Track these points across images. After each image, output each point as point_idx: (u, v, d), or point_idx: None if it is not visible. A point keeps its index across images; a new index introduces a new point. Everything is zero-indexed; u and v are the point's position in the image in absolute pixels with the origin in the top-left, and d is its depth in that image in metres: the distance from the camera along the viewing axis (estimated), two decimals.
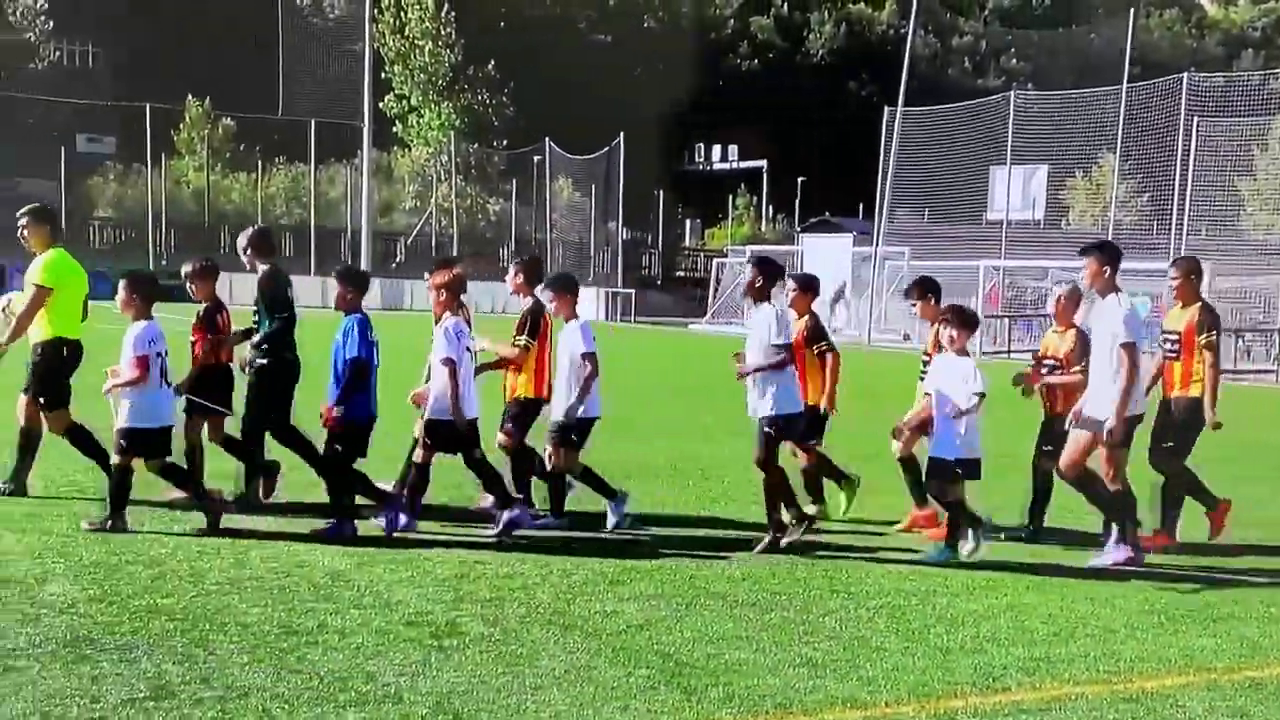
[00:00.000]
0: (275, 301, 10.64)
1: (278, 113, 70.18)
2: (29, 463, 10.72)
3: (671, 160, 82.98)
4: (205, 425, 10.79)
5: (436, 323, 10.09)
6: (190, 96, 70.59)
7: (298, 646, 6.90)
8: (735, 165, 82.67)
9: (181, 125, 70.51)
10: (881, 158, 46.22)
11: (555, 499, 10.51)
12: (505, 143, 72.34)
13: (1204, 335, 10.44)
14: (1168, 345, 10.77)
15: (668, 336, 46.10)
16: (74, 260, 10.96)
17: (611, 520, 10.40)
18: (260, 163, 68.88)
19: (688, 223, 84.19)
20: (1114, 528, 9.86)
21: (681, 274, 74.31)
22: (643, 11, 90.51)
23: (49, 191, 62.82)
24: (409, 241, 68.37)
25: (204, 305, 10.88)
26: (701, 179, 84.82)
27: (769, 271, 9.87)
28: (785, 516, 9.87)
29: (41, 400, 10.53)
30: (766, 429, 9.62)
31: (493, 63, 70.65)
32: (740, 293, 10.65)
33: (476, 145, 71.36)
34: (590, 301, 56.31)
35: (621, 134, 63.35)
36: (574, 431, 10.21)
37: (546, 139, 66.89)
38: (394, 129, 71.19)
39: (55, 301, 10.54)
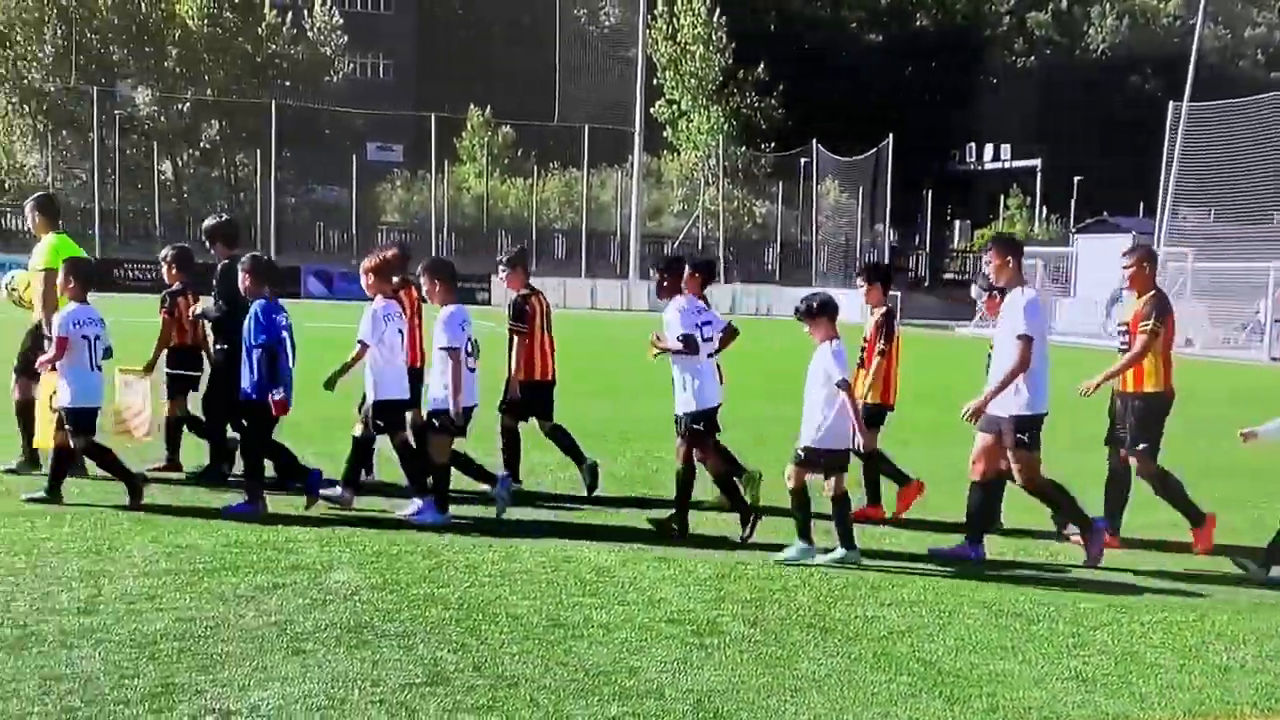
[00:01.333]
0: (229, 292, 11.02)
1: (553, 120, 72.11)
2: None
3: (941, 160, 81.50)
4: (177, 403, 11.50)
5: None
6: (472, 105, 73.16)
7: (564, 639, 7.11)
8: (1008, 164, 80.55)
9: (464, 133, 73.12)
10: (1165, 155, 44.33)
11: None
12: (773, 145, 72.45)
13: (1144, 323, 10.01)
14: (1120, 338, 10.38)
15: (932, 340, 45.27)
16: (74, 244, 11.58)
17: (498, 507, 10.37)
18: (535, 168, 70.82)
19: (956, 224, 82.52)
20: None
21: (950, 276, 72.94)
22: (915, 11, 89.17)
23: (341, 198, 66.28)
24: (676, 244, 69.19)
25: (170, 288, 11.54)
26: (972, 178, 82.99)
27: (672, 270, 10.21)
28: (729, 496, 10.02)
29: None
30: (693, 425, 9.77)
31: (762, 65, 70.84)
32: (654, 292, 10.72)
33: (745, 148, 71.67)
34: (855, 303, 55.81)
35: (890, 134, 62.61)
36: (437, 420, 10.06)
37: (814, 141, 66.66)
38: (664, 133, 72.15)
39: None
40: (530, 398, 11.38)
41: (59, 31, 63.64)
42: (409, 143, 76.71)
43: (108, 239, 57.79)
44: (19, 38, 63.29)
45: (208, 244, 11.68)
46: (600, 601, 7.91)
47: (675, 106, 71.52)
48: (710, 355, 10.17)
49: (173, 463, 11.64)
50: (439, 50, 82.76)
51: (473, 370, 10.28)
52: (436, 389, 10.04)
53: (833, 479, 9.14)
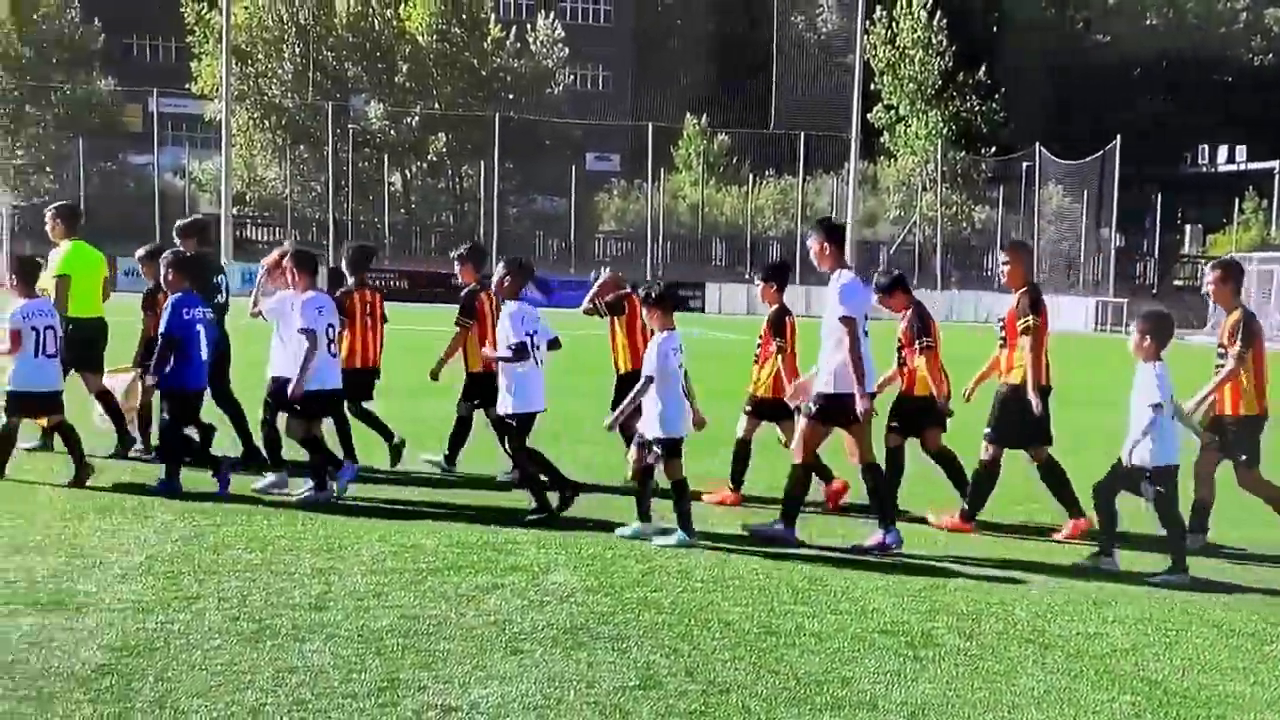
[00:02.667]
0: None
1: (769, 127, 72.01)
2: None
3: (1172, 162, 78.50)
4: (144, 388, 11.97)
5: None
6: (688, 114, 73.62)
7: (776, 647, 7.11)
8: (1243, 166, 77.08)
9: (680, 142, 73.62)
10: None
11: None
12: (993, 149, 70.91)
13: (1022, 320, 10.31)
14: (999, 334, 10.67)
15: None
16: (92, 250, 12.76)
17: (335, 485, 10.83)
18: (751, 175, 70.84)
19: (1188, 228, 79.33)
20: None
21: (1179, 282, 70.15)
22: (1145, 10, 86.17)
23: (560, 207, 67.49)
24: (891, 251, 68.34)
25: (149, 286, 12.28)
26: (1204, 182, 79.64)
27: (515, 272, 10.78)
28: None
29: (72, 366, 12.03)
30: (509, 421, 10.54)
31: (984, 68, 69.39)
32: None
33: (964, 153, 70.34)
34: (1079, 310, 54.26)
35: (1118, 136, 60.65)
36: (297, 404, 10.70)
37: (1037, 144, 65.01)
38: (881, 139, 71.32)
39: (73, 287, 12.34)
40: (481, 387, 11.94)
41: (297, 49, 66.43)
42: (626, 152, 77.63)
43: (340, 249, 60.02)
44: (260, 56, 66.31)
45: (180, 240, 12.52)
46: (812, 610, 7.89)
47: (893, 111, 70.66)
48: (539, 363, 10.58)
49: (146, 445, 12.45)
50: (655, 60, 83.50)
51: (335, 355, 11.02)
52: (288, 370, 10.79)
53: (670, 465, 9.63)
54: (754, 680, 6.54)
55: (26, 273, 11.47)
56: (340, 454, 11.46)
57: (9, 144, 63.77)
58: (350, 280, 12.47)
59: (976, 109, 70.14)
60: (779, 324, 11.25)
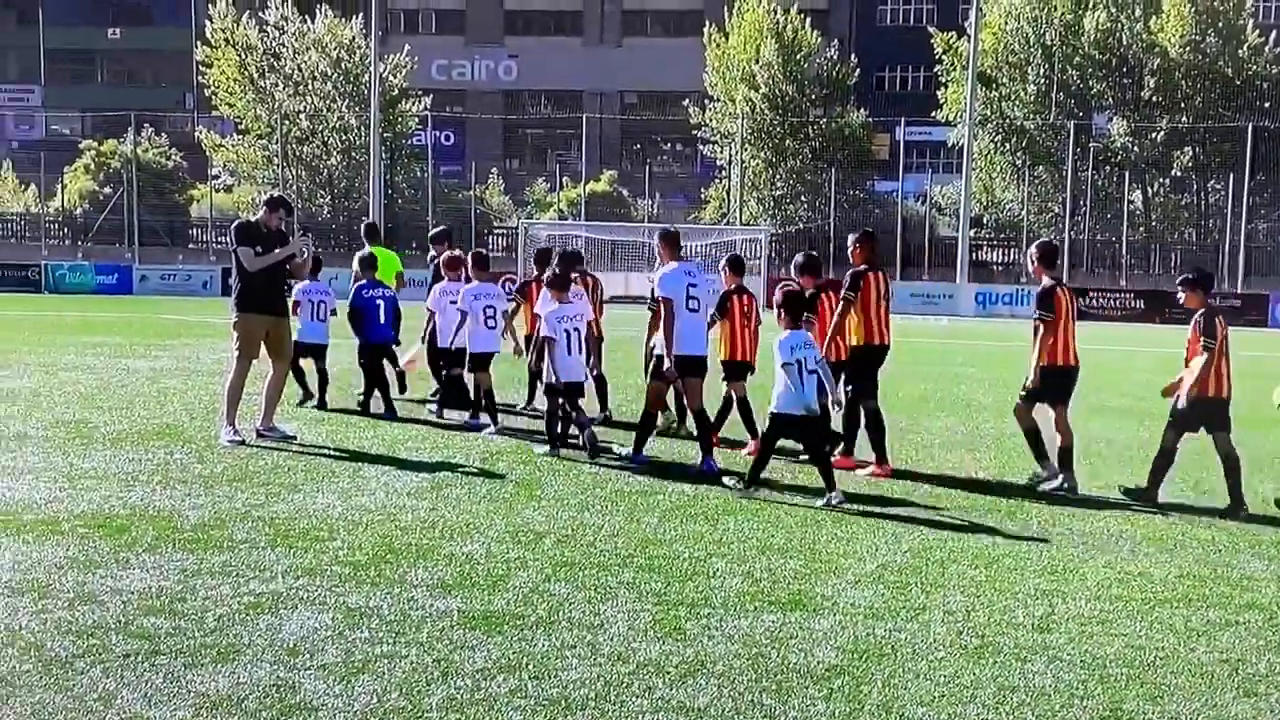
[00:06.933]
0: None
1: None
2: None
3: None
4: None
5: None
6: None
7: None
8: None
9: None
10: None
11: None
12: None
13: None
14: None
15: None
16: (387, 252, 17.62)
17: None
18: None
19: None
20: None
21: None
22: None
23: None
24: None
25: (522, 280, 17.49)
26: None
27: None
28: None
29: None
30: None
31: None
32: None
33: None
34: None
35: None
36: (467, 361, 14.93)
37: None
38: None
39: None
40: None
41: (1042, 71, 66.02)
42: None
43: (1073, 269, 59.15)
44: (1004, 79, 66.59)
45: (433, 246, 17.68)
46: None
47: None
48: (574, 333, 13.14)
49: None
50: None
51: (491, 329, 14.70)
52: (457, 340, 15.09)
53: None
54: None
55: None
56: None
57: (769, 176, 68.74)
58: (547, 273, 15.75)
59: None
60: (740, 297, 13.76)
